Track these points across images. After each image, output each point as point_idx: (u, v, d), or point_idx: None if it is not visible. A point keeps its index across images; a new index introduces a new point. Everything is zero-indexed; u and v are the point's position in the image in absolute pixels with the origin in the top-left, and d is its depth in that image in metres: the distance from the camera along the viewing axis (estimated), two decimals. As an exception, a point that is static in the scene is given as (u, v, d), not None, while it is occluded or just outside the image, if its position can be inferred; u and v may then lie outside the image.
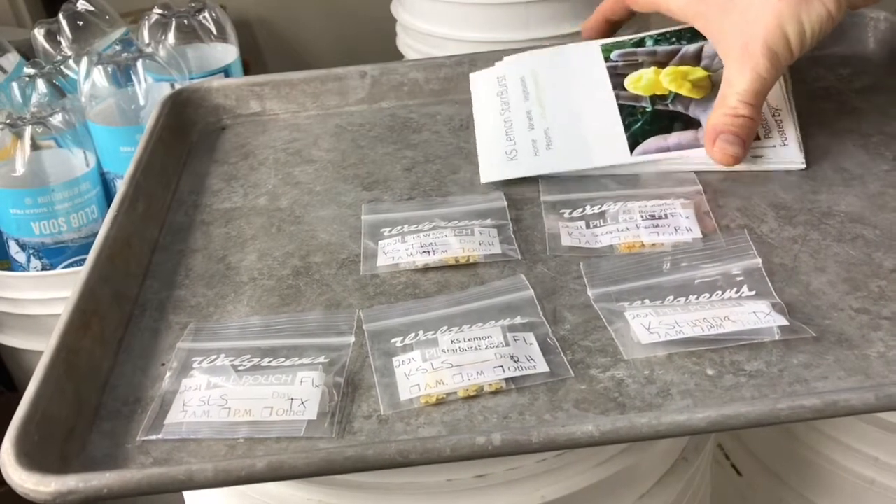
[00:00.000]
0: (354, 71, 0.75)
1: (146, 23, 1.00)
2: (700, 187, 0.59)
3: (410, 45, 1.06)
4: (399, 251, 0.57)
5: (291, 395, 0.46)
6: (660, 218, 0.57)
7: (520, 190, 0.63)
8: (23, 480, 0.40)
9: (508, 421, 0.44)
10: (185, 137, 0.73)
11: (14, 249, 0.90)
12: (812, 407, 0.40)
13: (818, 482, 0.63)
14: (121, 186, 0.61)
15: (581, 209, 0.59)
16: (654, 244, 0.55)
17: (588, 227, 0.58)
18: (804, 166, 0.61)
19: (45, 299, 0.89)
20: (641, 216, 0.57)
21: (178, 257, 0.59)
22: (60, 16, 1.07)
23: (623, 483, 0.55)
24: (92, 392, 0.48)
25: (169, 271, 0.58)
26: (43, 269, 0.89)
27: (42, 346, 0.92)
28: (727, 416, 0.40)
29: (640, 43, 0.68)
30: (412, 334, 0.50)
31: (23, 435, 0.42)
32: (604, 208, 0.59)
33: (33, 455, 0.41)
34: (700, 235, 0.55)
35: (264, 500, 0.53)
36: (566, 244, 0.56)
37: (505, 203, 0.61)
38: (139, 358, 0.51)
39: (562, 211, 0.59)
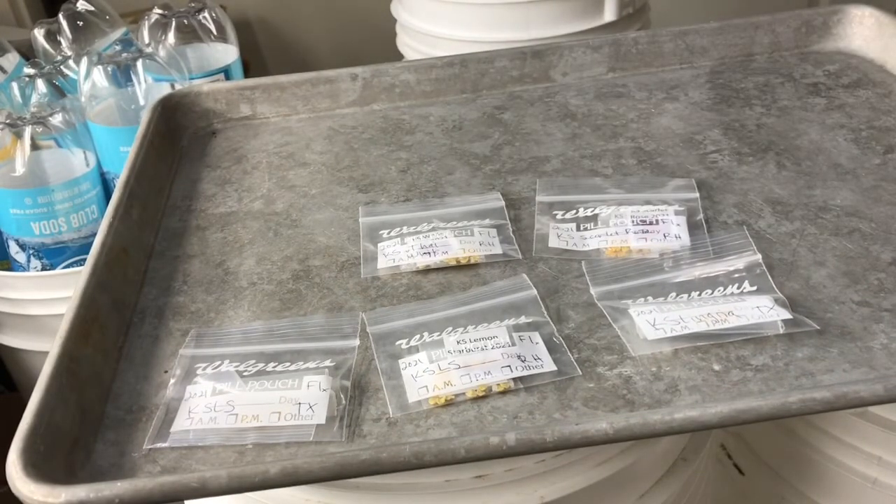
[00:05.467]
0: (345, 73, 0.75)
1: (146, 23, 0.99)
2: (698, 195, 0.59)
3: (410, 45, 1.06)
4: (399, 253, 0.57)
5: (299, 400, 0.46)
6: (650, 224, 0.57)
7: (517, 190, 0.63)
8: (31, 492, 0.39)
9: (518, 420, 0.44)
10: (176, 142, 0.73)
11: (14, 249, 0.89)
12: (822, 399, 0.40)
13: (820, 481, 0.64)
14: (114, 193, 0.60)
15: (574, 211, 0.59)
16: (640, 250, 0.55)
17: (578, 229, 0.58)
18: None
19: (45, 299, 0.88)
20: (632, 221, 0.57)
21: (175, 263, 0.59)
22: (60, 16, 1.06)
23: (622, 483, 0.55)
24: (95, 401, 0.47)
25: (166, 277, 0.57)
26: (43, 269, 0.88)
27: (42, 346, 0.92)
28: (739, 410, 0.40)
29: None
30: (417, 336, 0.50)
31: (29, 446, 0.41)
32: (597, 211, 0.59)
33: (40, 466, 0.41)
34: (688, 243, 0.55)
35: (263, 500, 0.52)
36: (553, 245, 0.56)
37: (503, 203, 0.61)
38: (141, 365, 0.50)
39: (555, 212, 0.60)
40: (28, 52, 1.10)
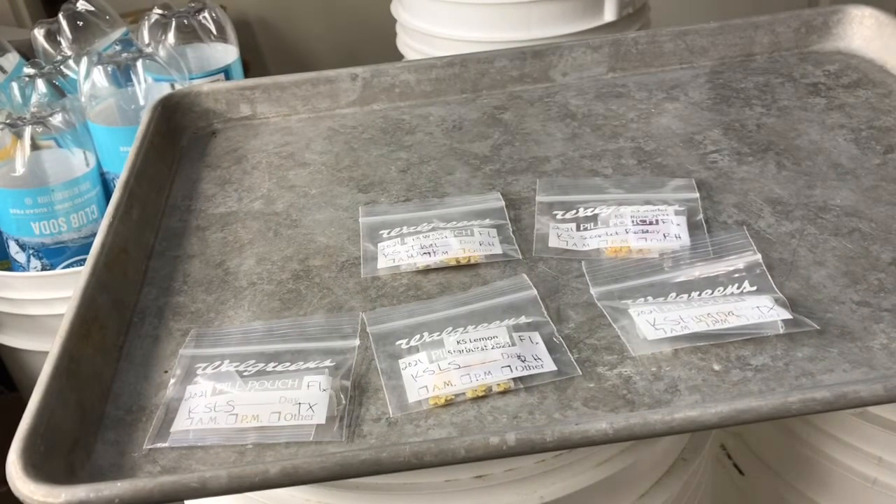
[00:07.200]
0: (345, 73, 0.75)
1: (146, 23, 0.99)
2: (698, 195, 0.59)
3: (410, 46, 1.06)
4: (399, 253, 0.57)
5: (299, 400, 0.46)
6: (650, 224, 0.57)
7: (517, 190, 0.63)
8: (31, 492, 0.39)
9: (518, 420, 0.44)
10: (176, 142, 0.73)
11: (14, 249, 0.89)
12: (822, 399, 0.40)
13: (820, 481, 0.64)
14: (114, 193, 0.60)
15: (574, 211, 0.59)
16: (640, 249, 0.55)
17: (578, 229, 0.58)
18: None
19: (45, 299, 0.88)
20: (632, 221, 0.57)
21: (175, 263, 0.59)
22: (60, 16, 1.06)
23: (622, 483, 0.55)
24: (95, 401, 0.47)
25: (166, 277, 0.57)
26: (43, 269, 0.88)
27: (42, 346, 0.92)
28: (739, 410, 0.40)
29: None
30: (417, 336, 0.50)
31: (29, 446, 0.41)
32: (597, 211, 0.59)
33: (40, 466, 0.41)
34: (688, 244, 0.55)
35: (262, 500, 0.52)
36: (553, 245, 0.57)
37: (503, 203, 0.61)
38: (141, 365, 0.50)
39: (555, 212, 0.60)
40: (28, 52, 1.10)
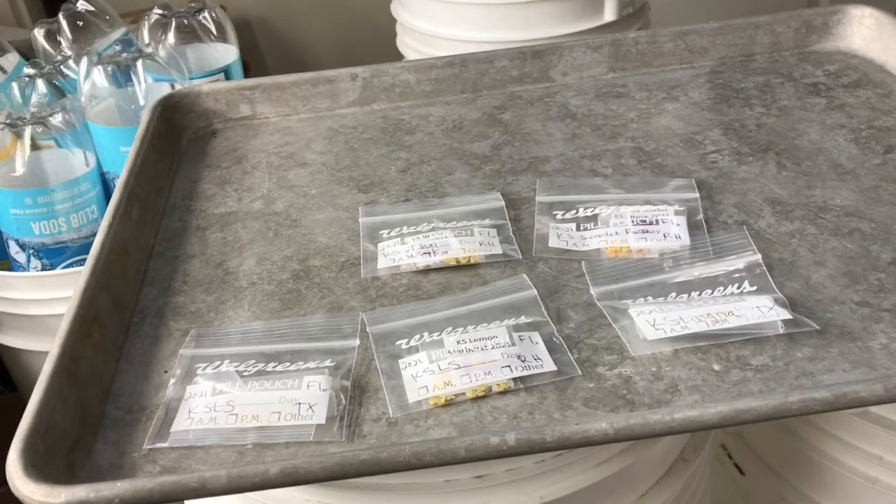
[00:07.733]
0: (345, 73, 0.75)
1: (146, 23, 0.99)
2: (698, 195, 0.59)
3: (410, 46, 1.06)
4: (399, 253, 0.57)
5: (299, 400, 0.46)
6: (650, 224, 0.57)
7: (517, 190, 0.63)
8: (31, 492, 0.39)
9: (518, 420, 0.44)
10: (176, 142, 0.73)
11: (14, 249, 0.89)
12: (822, 399, 0.41)
13: (821, 481, 0.64)
14: (114, 193, 0.60)
15: (574, 211, 0.59)
16: (640, 249, 0.55)
17: (578, 229, 0.58)
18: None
19: (45, 299, 0.88)
20: (632, 221, 0.57)
21: (175, 263, 0.59)
22: (60, 16, 1.06)
23: (622, 483, 0.55)
24: (95, 401, 0.47)
25: (166, 277, 0.58)
26: (43, 269, 0.88)
27: (42, 346, 0.92)
28: (739, 410, 0.40)
29: None
30: (417, 336, 0.50)
31: (28, 446, 0.41)
32: (597, 211, 0.59)
33: (40, 466, 0.41)
34: (688, 243, 0.55)
35: (262, 500, 0.52)
36: (553, 245, 0.57)
37: (503, 203, 0.61)
38: (141, 365, 0.50)
39: (555, 212, 0.60)
40: (28, 52, 1.10)
